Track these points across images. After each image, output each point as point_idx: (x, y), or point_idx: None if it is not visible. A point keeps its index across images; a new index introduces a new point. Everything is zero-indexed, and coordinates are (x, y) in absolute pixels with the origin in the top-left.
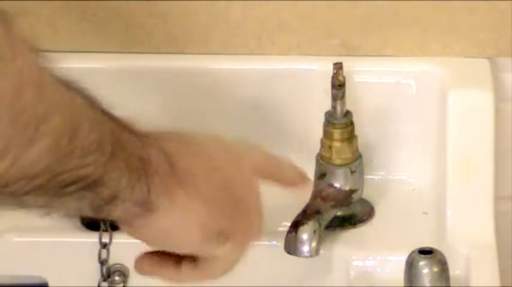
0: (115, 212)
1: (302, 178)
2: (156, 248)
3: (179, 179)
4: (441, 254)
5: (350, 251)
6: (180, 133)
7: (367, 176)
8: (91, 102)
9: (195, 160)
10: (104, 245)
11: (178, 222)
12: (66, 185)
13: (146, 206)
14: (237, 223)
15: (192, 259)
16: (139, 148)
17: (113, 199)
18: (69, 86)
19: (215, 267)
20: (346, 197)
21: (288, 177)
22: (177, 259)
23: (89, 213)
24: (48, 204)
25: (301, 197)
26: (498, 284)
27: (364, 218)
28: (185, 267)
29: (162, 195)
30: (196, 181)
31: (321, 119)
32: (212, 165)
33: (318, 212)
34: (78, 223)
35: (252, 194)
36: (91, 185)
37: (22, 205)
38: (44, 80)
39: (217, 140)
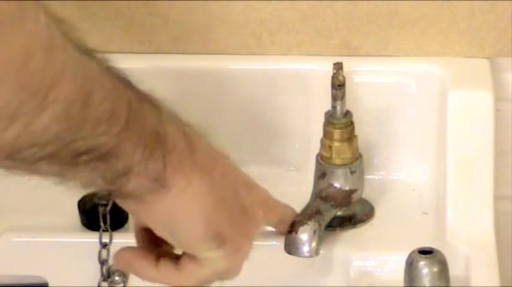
0: (128, 186)
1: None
2: (157, 231)
3: (197, 162)
4: (441, 254)
5: (350, 251)
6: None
7: (367, 176)
8: (108, 70)
9: (215, 155)
10: (104, 245)
11: (188, 205)
12: (79, 155)
13: (160, 182)
14: (237, 233)
15: (174, 259)
16: (157, 123)
17: (126, 172)
18: (86, 52)
19: (196, 271)
20: (346, 197)
21: (285, 222)
22: (157, 257)
23: (102, 185)
24: (61, 173)
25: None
26: (498, 284)
27: (364, 218)
28: (164, 266)
29: (178, 173)
30: (213, 174)
31: (321, 119)
32: (230, 167)
33: (318, 212)
34: (78, 223)
35: (255, 218)
36: (104, 156)
37: (35, 172)
38: (56, 44)
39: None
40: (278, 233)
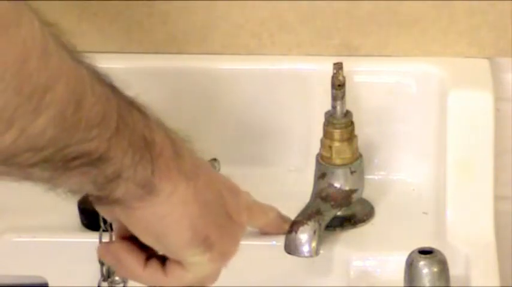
0: (117, 192)
1: (282, 225)
2: (140, 237)
3: (183, 168)
4: (441, 254)
5: (350, 251)
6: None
7: (367, 176)
8: (97, 76)
9: (200, 161)
10: None
11: (174, 211)
12: (71, 160)
13: (148, 188)
14: (223, 237)
15: (162, 261)
16: (144, 128)
17: (116, 177)
18: (75, 57)
19: (181, 276)
20: (346, 197)
21: (269, 224)
22: (146, 257)
23: (91, 190)
24: (53, 178)
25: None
26: (498, 284)
27: (364, 218)
28: (151, 266)
29: (165, 179)
30: (198, 180)
31: (321, 119)
32: (214, 173)
33: (318, 212)
34: (78, 223)
35: (241, 222)
36: (95, 161)
37: (28, 178)
38: (49, 48)
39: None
40: (265, 234)
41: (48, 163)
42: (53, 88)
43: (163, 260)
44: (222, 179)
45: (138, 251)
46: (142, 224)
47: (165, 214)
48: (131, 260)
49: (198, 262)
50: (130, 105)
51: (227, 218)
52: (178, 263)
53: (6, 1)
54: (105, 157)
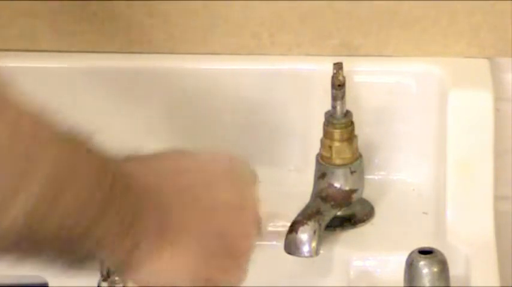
0: (95, 265)
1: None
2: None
3: (169, 235)
4: (441, 254)
5: (350, 251)
6: (180, 155)
7: (367, 176)
8: (88, 155)
9: (190, 212)
10: None
11: (169, 268)
12: (44, 244)
13: (130, 265)
14: (226, 273)
15: None
16: (132, 205)
17: (90, 257)
18: (66, 139)
19: None
20: (346, 197)
21: None
22: None
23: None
24: (24, 259)
25: None
26: (498, 284)
27: (364, 218)
28: None
29: (147, 255)
30: (190, 233)
31: (321, 119)
32: (209, 215)
33: (318, 212)
34: None
35: (246, 245)
36: (74, 243)
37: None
38: (38, 135)
39: (219, 165)
40: None
41: (17, 249)
42: (33, 177)
43: None
44: (221, 203)
45: None
46: (142, 283)
47: (159, 275)
48: None
49: None
50: (117, 182)
51: (230, 247)
52: None
53: None
54: (82, 239)
